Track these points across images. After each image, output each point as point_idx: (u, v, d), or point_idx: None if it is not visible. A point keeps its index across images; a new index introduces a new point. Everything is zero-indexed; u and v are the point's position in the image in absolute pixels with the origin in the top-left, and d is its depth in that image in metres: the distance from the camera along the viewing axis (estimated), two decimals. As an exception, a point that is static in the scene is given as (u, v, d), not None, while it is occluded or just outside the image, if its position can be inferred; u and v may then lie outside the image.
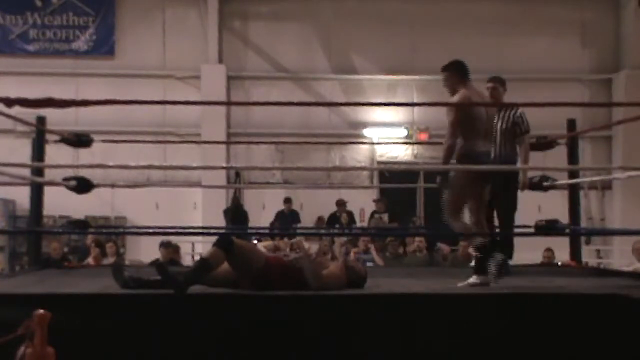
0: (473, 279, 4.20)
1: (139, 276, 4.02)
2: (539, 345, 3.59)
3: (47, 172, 6.30)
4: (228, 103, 13.66)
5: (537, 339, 3.59)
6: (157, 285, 3.88)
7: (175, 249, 8.68)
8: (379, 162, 13.08)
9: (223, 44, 13.00)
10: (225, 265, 3.97)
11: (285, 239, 9.88)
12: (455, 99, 4.40)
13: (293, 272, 3.99)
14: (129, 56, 13.02)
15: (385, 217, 11.45)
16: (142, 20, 13.06)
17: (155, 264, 4.62)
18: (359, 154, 13.22)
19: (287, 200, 12.16)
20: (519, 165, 5.31)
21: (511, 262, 6.70)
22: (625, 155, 12.57)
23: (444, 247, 9.86)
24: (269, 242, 9.16)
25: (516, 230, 6.17)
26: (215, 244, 3.96)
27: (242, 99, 12.95)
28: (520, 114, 5.25)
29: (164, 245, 8.41)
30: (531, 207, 9.92)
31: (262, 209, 12.36)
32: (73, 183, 5.83)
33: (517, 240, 6.13)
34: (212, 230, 7.69)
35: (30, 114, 5.10)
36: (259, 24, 13.26)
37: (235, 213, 11.83)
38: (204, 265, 3.92)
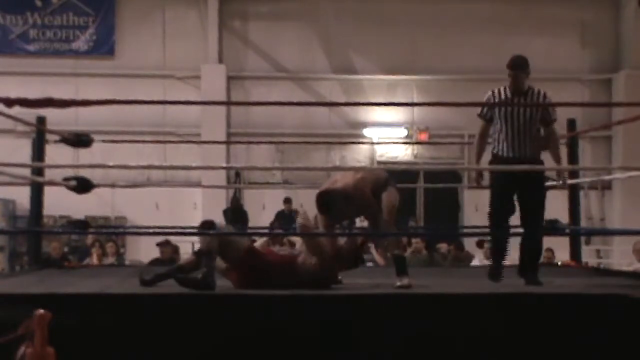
0: (406, 281, 4.18)
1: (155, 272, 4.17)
2: (539, 345, 3.59)
3: (47, 172, 6.30)
4: (228, 103, 13.67)
5: (537, 339, 3.59)
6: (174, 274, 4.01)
7: (175, 248, 8.69)
8: (379, 162, 13.05)
9: (223, 44, 13.00)
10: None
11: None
12: None
13: (282, 263, 4.05)
14: (129, 56, 13.01)
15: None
16: (142, 20, 13.05)
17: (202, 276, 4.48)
18: (359, 154, 13.21)
19: (287, 200, 12.14)
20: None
21: (511, 263, 6.70)
22: (625, 155, 12.56)
23: (442, 246, 9.91)
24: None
25: (516, 230, 6.16)
26: (199, 227, 4.19)
27: (242, 99, 12.95)
28: (548, 98, 4.59)
29: (162, 245, 8.40)
30: (531, 207, 9.94)
31: (262, 209, 12.35)
32: (73, 183, 5.82)
33: (516, 240, 6.11)
34: (211, 231, 7.66)
35: (30, 114, 5.10)
36: (259, 24, 13.25)
37: (235, 213, 11.83)
38: (208, 255, 4.05)
